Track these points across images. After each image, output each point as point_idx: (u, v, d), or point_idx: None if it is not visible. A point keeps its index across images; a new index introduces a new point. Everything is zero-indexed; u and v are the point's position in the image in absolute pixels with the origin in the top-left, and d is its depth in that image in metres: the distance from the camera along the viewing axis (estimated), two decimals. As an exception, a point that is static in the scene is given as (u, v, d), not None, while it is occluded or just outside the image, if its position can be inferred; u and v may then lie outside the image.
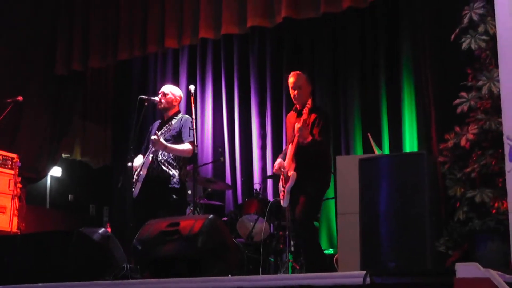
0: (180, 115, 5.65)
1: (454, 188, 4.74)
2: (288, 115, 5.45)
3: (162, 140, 5.24)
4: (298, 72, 5.28)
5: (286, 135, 5.53)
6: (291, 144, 5.11)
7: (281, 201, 5.17)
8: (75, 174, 8.25)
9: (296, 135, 4.95)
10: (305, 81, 5.20)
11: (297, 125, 4.95)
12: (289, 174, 5.00)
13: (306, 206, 4.91)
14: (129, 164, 5.41)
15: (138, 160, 5.53)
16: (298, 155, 5.02)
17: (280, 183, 5.21)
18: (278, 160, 5.22)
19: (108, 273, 4.32)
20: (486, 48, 4.71)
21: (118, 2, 7.20)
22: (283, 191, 5.10)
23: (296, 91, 5.18)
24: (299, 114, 5.15)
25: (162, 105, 5.63)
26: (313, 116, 5.06)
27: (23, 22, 7.44)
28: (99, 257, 4.36)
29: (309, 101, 5.08)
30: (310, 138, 4.92)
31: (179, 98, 5.75)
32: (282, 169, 5.13)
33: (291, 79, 5.23)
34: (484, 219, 4.50)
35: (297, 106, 5.23)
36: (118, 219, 7.57)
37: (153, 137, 5.26)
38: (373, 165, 3.89)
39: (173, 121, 5.49)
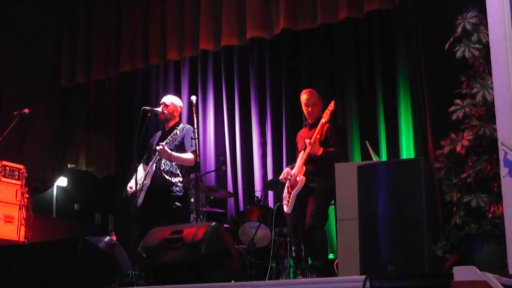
0: (181, 125, 5.72)
1: (451, 193, 4.80)
2: (300, 131, 5.71)
3: (167, 149, 5.33)
4: (310, 89, 5.58)
5: (296, 148, 5.71)
6: (302, 151, 5.28)
7: (285, 207, 5.28)
8: (80, 184, 8.28)
9: (308, 148, 5.18)
10: (317, 98, 5.51)
11: (308, 141, 5.19)
12: (297, 179, 5.14)
13: (315, 210, 5.09)
14: (130, 184, 5.50)
15: (139, 173, 5.61)
16: (309, 162, 5.23)
17: (286, 190, 5.33)
18: (286, 169, 5.39)
19: (114, 280, 4.36)
20: (480, 56, 4.79)
21: (120, 16, 7.26)
22: (288, 197, 5.22)
23: (310, 108, 5.44)
24: (311, 127, 5.41)
25: (164, 116, 5.71)
26: (326, 127, 5.33)
27: (28, 37, 7.52)
28: (105, 265, 4.40)
29: (325, 115, 5.31)
30: (321, 150, 5.20)
31: (179, 109, 5.84)
32: (289, 176, 5.27)
33: (304, 96, 5.47)
34: (480, 223, 4.56)
35: (309, 121, 5.43)
36: (123, 227, 7.62)
37: (158, 147, 5.34)
38: (371, 172, 3.90)
39: (176, 131, 5.56)
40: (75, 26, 7.57)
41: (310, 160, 5.27)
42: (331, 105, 5.28)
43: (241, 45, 6.68)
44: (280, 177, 5.49)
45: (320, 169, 5.23)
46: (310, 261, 5.60)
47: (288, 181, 5.35)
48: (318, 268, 5.22)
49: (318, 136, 5.31)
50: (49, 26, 7.71)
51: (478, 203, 4.60)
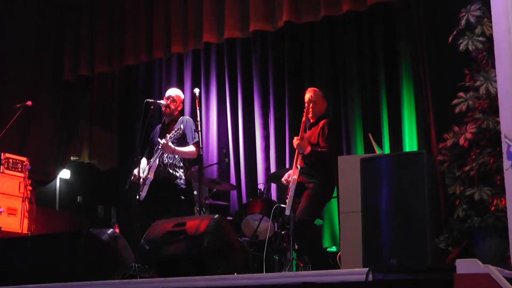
0: (181, 118, 5.71)
1: (454, 186, 4.82)
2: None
3: (170, 144, 5.32)
4: (314, 88, 5.53)
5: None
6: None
7: (286, 209, 5.31)
8: (83, 177, 8.31)
9: (295, 145, 5.20)
10: (319, 97, 5.44)
11: (295, 141, 5.20)
12: (291, 178, 5.16)
13: (306, 205, 5.06)
14: (135, 171, 5.51)
15: (142, 164, 5.61)
16: (303, 161, 5.22)
17: (287, 192, 5.34)
18: (288, 172, 5.40)
19: (117, 272, 4.35)
20: (483, 49, 4.79)
21: (123, 8, 7.26)
22: (287, 201, 5.24)
23: (311, 105, 5.37)
24: (311, 126, 5.40)
25: (170, 110, 5.70)
26: (321, 123, 5.30)
27: (31, 29, 7.52)
28: (107, 257, 4.37)
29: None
30: (308, 149, 5.17)
31: (182, 103, 5.85)
32: (290, 179, 5.28)
33: (307, 95, 5.47)
34: (483, 216, 4.58)
35: (311, 120, 5.43)
36: (126, 220, 7.65)
37: (162, 141, 5.33)
38: (374, 165, 3.87)
39: (180, 126, 5.55)
40: (78, 19, 7.58)
41: (303, 160, 5.26)
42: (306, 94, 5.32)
43: (244, 37, 6.68)
44: (282, 180, 5.52)
45: (314, 170, 5.21)
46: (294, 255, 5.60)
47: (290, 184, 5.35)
48: (314, 263, 5.22)
49: (305, 134, 5.30)
50: (52, 19, 7.71)
51: (481, 196, 4.62)
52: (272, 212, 5.90)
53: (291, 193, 5.14)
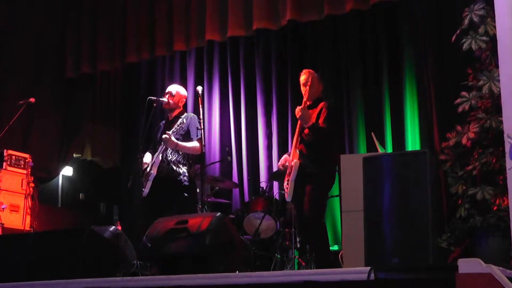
0: (185, 114, 5.71)
1: (456, 185, 4.82)
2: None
3: (173, 138, 5.33)
4: (309, 70, 5.39)
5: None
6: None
7: (285, 195, 5.23)
8: (86, 174, 8.32)
9: (297, 116, 5.07)
10: (315, 79, 5.28)
11: (298, 108, 5.08)
12: (292, 163, 5.08)
13: (313, 200, 4.96)
14: (142, 160, 5.51)
15: (147, 158, 5.61)
16: (302, 145, 5.11)
17: (286, 177, 5.28)
18: (284, 156, 5.33)
19: (119, 270, 4.36)
20: (486, 49, 4.79)
21: (125, 6, 7.27)
22: (287, 185, 5.17)
23: (306, 87, 5.27)
24: (309, 108, 5.21)
25: (169, 106, 5.70)
26: (320, 106, 5.17)
27: (33, 27, 7.54)
28: (109, 255, 4.37)
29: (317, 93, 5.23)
30: (311, 122, 5.04)
31: (184, 99, 5.83)
32: (287, 163, 5.21)
33: (302, 77, 5.35)
34: (485, 216, 4.58)
35: (307, 102, 5.27)
36: (128, 217, 7.66)
37: (164, 136, 5.34)
38: (376, 164, 3.87)
39: (181, 120, 5.55)
40: (80, 16, 7.58)
41: (303, 144, 5.13)
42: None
43: (247, 36, 6.68)
44: (278, 164, 5.44)
45: (314, 153, 5.06)
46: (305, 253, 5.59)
47: (288, 169, 5.26)
48: (319, 260, 5.21)
49: (308, 104, 5.18)
50: (54, 16, 7.72)
51: (483, 195, 4.62)
52: (273, 204, 5.87)
53: (292, 176, 5.01)
